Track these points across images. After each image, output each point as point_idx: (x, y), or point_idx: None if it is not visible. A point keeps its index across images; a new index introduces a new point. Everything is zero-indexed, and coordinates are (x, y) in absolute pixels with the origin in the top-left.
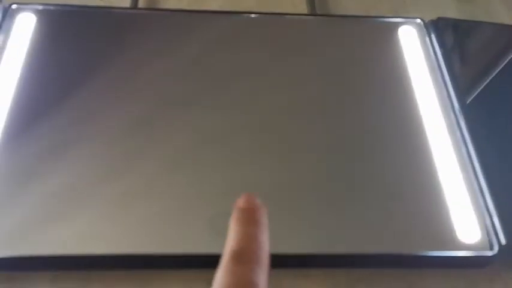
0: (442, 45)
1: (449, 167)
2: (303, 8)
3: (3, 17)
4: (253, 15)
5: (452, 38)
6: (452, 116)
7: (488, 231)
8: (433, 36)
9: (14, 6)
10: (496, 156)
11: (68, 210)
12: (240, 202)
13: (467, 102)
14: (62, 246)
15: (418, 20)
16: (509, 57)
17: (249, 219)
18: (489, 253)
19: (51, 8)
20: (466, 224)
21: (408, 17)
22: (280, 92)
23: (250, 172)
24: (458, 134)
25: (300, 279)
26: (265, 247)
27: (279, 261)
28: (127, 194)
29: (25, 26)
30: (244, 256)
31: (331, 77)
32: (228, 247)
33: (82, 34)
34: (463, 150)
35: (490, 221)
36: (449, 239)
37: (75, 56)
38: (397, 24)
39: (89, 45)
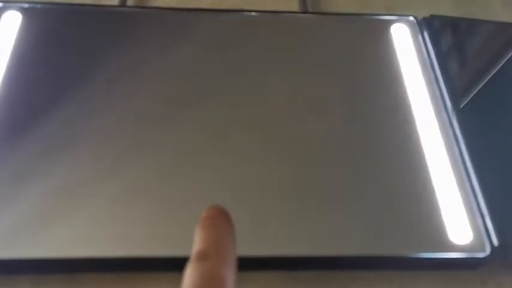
0: (435, 43)
1: (441, 167)
2: (295, 6)
3: None
4: (244, 13)
5: (446, 35)
6: (445, 115)
7: (480, 232)
8: (425, 34)
9: None
10: (488, 156)
11: (52, 212)
12: (203, 213)
13: (460, 101)
14: (45, 249)
15: (411, 18)
16: (504, 56)
17: (212, 224)
18: (481, 254)
19: (38, 6)
20: (458, 225)
21: (401, 14)
22: (271, 90)
23: (247, 173)
24: (450, 133)
25: (289, 281)
26: (229, 247)
27: (268, 264)
28: (115, 197)
29: (11, 24)
30: (208, 254)
31: (322, 75)
32: (192, 250)
33: (69, 32)
34: (456, 150)
35: (482, 222)
36: (441, 241)
37: (62, 55)
38: (390, 22)
39: (76, 43)
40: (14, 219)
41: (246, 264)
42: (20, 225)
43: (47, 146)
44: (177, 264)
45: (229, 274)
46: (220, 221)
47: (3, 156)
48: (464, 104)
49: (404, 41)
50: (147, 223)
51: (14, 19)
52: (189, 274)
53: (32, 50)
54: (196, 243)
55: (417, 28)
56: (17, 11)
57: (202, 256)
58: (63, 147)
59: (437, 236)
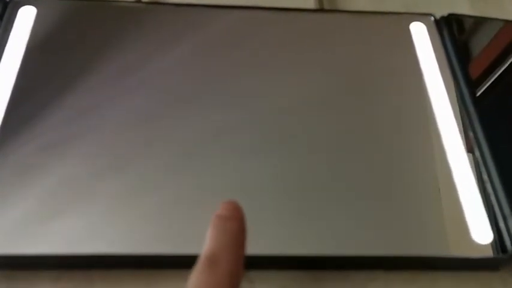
0: (453, 42)
1: (462, 167)
2: (311, 3)
3: (5, 9)
4: (260, 10)
5: (464, 34)
6: (465, 115)
7: (502, 233)
8: (444, 32)
9: None
10: (511, 156)
11: (72, 207)
12: (220, 209)
13: (481, 100)
14: (65, 245)
15: (429, 16)
16: None
17: (225, 227)
18: (503, 255)
19: (54, 1)
20: (480, 225)
21: (419, 13)
22: (287, 88)
23: (259, 170)
24: (471, 133)
25: (306, 281)
26: (240, 251)
27: (286, 263)
28: (133, 192)
29: (27, 18)
30: (219, 259)
31: (339, 74)
32: (202, 252)
33: (85, 28)
34: (477, 150)
35: (504, 223)
36: (462, 241)
37: (78, 50)
38: (408, 20)
39: (92, 39)
40: (35, 213)
41: (262, 263)
42: (40, 220)
43: (62, 139)
44: (192, 262)
45: (237, 281)
46: (233, 223)
47: (23, 150)
48: (484, 103)
49: (422, 40)
50: (170, 219)
51: (29, 13)
52: (197, 276)
53: (46, 45)
54: (208, 244)
55: (435, 26)
56: (32, 5)
57: (213, 260)
58: (83, 140)
59: (458, 236)
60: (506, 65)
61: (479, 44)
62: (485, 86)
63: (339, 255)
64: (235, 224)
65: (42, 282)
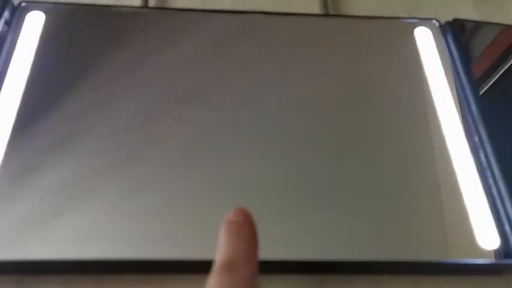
0: (458, 47)
1: (467, 171)
2: (316, 8)
3: (12, 14)
4: (264, 15)
5: (469, 39)
6: (470, 119)
7: (507, 238)
8: (449, 37)
9: (23, 4)
10: None
11: (80, 212)
12: (230, 215)
13: (486, 105)
14: (74, 250)
15: (434, 21)
16: None
17: (238, 233)
18: (507, 261)
19: (61, 6)
20: (484, 230)
21: (423, 17)
22: (291, 92)
23: (262, 173)
24: (476, 138)
25: (315, 284)
26: (254, 258)
27: (294, 267)
28: (142, 197)
29: (34, 24)
30: (234, 266)
31: (343, 78)
32: (218, 258)
33: (92, 33)
34: (482, 154)
35: (510, 227)
36: (466, 246)
37: (85, 55)
38: (412, 25)
39: (99, 44)
40: (44, 218)
41: (270, 268)
42: (49, 224)
43: (69, 142)
44: (201, 267)
45: (254, 286)
46: (246, 229)
47: (32, 157)
48: (489, 108)
49: (427, 45)
50: (180, 224)
51: (37, 19)
52: (216, 281)
53: (55, 50)
54: (222, 251)
55: (440, 32)
56: (40, 10)
57: (228, 268)
58: (86, 144)
59: (462, 241)
60: (508, 65)
61: (484, 49)
62: (490, 91)
63: (345, 260)
64: (249, 229)
65: (50, 286)
